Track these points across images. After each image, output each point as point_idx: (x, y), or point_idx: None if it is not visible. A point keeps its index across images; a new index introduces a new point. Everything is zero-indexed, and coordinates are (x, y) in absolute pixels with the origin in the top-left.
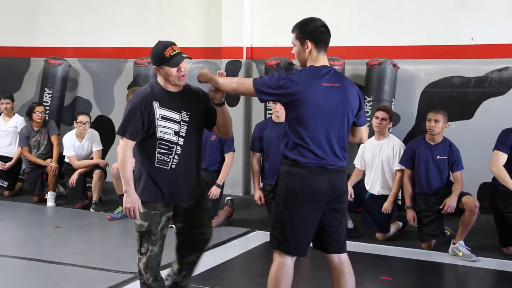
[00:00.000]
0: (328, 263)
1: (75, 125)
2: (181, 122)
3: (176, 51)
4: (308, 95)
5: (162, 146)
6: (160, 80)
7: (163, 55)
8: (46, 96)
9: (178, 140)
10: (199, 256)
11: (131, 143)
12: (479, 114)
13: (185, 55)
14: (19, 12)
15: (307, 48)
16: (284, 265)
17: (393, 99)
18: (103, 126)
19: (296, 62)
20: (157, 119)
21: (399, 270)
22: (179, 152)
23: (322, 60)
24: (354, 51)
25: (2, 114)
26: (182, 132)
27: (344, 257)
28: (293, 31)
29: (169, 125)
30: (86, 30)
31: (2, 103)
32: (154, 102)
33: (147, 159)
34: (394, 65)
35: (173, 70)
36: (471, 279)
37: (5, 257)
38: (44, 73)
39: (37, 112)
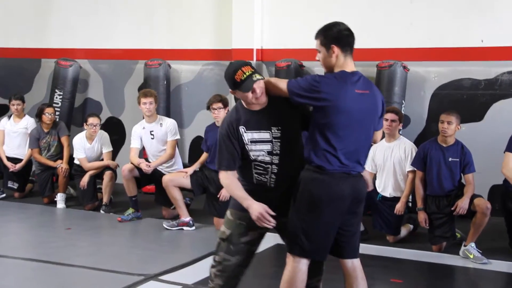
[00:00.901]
0: (339, 266)
1: (85, 127)
2: (273, 140)
3: (247, 74)
4: (342, 101)
5: (258, 167)
6: (243, 102)
7: (234, 79)
8: (56, 98)
9: (273, 159)
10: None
11: (232, 172)
12: (489, 116)
13: (258, 77)
14: (30, 14)
15: (334, 53)
16: (299, 270)
17: (403, 101)
18: (114, 128)
19: (307, 64)
20: (247, 144)
21: (410, 272)
22: (275, 171)
23: (350, 64)
24: (364, 53)
25: (12, 115)
26: (276, 150)
27: (357, 262)
28: (316, 37)
29: (260, 147)
30: (96, 32)
31: (13, 104)
32: (240, 127)
33: (246, 177)
34: (404, 67)
35: (247, 94)
36: (482, 281)
37: (15, 258)
38: (54, 75)
39: (47, 114)
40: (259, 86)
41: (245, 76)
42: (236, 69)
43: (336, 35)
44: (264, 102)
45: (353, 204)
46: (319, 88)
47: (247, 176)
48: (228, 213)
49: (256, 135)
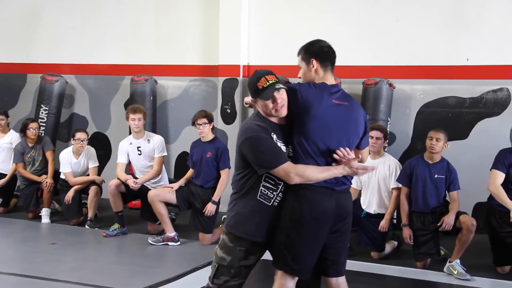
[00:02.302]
0: (324, 282)
1: (72, 142)
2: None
3: (270, 82)
4: (316, 108)
5: (269, 180)
6: (261, 112)
7: (256, 86)
8: (42, 113)
9: None
10: None
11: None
12: (474, 134)
13: (280, 86)
14: (16, 29)
15: (313, 67)
16: (286, 287)
17: (389, 119)
18: (100, 143)
19: (293, 80)
20: None
21: None
22: (283, 189)
23: (330, 79)
24: (350, 71)
25: None
26: None
27: (342, 279)
28: (298, 54)
29: None
30: (83, 47)
31: None
32: (272, 134)
33: (250, 189)
34: (390, 85)
35: (268, 103)
36: None
37: None
38: (40, 90)
39: (31, 129)
40: (280, 97)
41: (267, 84)
42: (260, 76)
43: (316, 50)
44: (283, 116)
45: (338, 220)
46: (297, 92)
47: (251, 189)
48: (225, 238)
49: (282, 147)
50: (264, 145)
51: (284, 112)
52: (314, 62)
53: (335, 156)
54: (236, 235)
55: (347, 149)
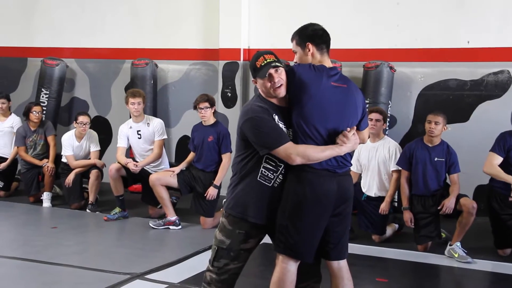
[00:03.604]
0: (325, 265)
1: (75, 125)
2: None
3: (268, 61)
4: (315, 90)
5: (269, 162)
6: (262, 94)
7: (255, 65)
8: (43, 97)
9: None
10: None
11: (292, 143)
12: (475, 117)
13: (277, 64)
14: (16, 13)
15: (309, 50)
16: (288, 270)
17: (389, 102)
18: (100, 127)
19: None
20: None
21: (395, 271)
22: (283, 171)
23: (327, 62)
24: (351, 54)
25: None
26: None
27: (343, 262)
28: (292, 39)
29: None
30: (83, 31)
31: None
32: (274, 115)
33: (250, 170)
34: (391, 68)
35: (265, 81)
36: (467, 281)
37: (0, 257)
38: (41, 74)
39: (34, 112)
40: (278, 75)
41: (265, 62)
42: (259, 55)
43: (310, 33)
44: (283, 97)
45: (340, 203)
46: (295, 73)
47: (251, 170)
48: (225, 221)
49: (284, 129)
50: (266, 125)
51: (282, 92)
52: (310, 46)
53: (338, 141)
54: (235, 216)
55: (349, 131)
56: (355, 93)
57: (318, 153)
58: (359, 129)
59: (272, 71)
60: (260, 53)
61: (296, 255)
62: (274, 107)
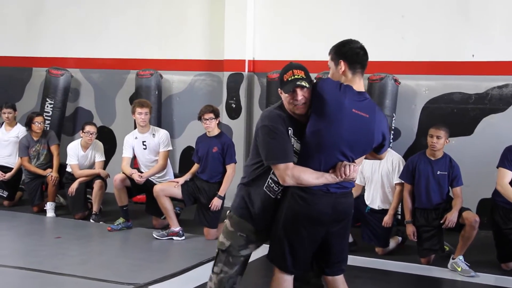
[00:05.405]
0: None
1: (81, 134)
2: (295, 155)
3: (295, 76)
4: (334, 113)
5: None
6: (284, 104)
7: (282, 78)
8: (47, 107)
9: None
10: None
11: (292, 164)
12: (479, 130)
13: (304, 84)
14: (21, 22)
15: (341, 68)
16: (284, 280)
17: (394, 114)
18: (105, 137)
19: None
20: None
21: (398, 284)
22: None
23: (358, 83)
24: None
25: (4, 123)
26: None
27: (339, 277)
28: (329, 53)
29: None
30: (88, 41)
31: (4, 113)
32: (289, 127)
33: (259, 178)
34: (396, 80)
35: (288, 97)
36: None
37: (4, 267)
38: (46, 83)
39: (36, 123)
40: (302, 93)
41: (292, 77)
42: (289, 68)
43: (346, 51)
44: (303, 115)
45: (335, 224)
46: (319, 89)
47: (260, 178)
48: (227, 222)
49: (295, 144)
50: (275, 138)
51: (303, 110)
52: (343, 64)
53: (337, 170)
54: (238, 216)
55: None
56: (376, 122)
57: (312, 179)
58: (377, 153)
59: (298, 89)
60: (291, 66)
61: (284, 267)
62: (293, 119)
